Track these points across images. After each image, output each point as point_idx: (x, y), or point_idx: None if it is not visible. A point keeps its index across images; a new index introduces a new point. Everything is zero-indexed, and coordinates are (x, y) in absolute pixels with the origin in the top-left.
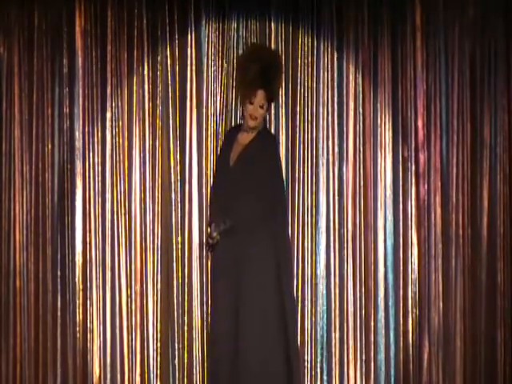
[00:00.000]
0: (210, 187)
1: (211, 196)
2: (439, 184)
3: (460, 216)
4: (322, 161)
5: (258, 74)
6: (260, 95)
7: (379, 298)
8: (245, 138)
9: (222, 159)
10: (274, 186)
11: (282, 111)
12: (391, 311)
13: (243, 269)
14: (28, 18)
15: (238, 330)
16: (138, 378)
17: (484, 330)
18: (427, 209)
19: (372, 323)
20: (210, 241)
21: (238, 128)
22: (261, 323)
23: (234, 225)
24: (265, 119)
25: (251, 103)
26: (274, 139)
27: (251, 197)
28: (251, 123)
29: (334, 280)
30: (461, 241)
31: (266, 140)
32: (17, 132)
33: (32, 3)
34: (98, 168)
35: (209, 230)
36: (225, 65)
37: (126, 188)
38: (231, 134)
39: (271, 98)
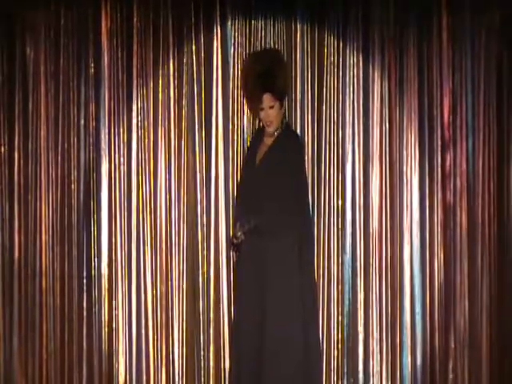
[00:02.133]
0: (237, 187)
1: (238, 195)
2: (465, 184)
3: (486, 216)
4: (348, 161)
5: (257, 80)
6: (266, 99)
7: (405, 300)
8: (269, 138)
9: (248, 160)
10: (298, 186)
11: (308, 112)
12: (417, 312)
13: (267, 269)
14: (54, 17)
15: (263, 331)
16: (163, 378)
17: (510, 331)
18: (453, 209)
19: (398, 324)
20: (235, 240)
21: (263, 129)
22: (285, 323)
23: (258, 225)
24: (285, 119)
25: (261, 109)
26: (299, 139)
27: (276, 197)
28: (268, 130)
29: (360, 281)
30: (487, 242)
31: (290, 140)
32: (43, 132)
33: (58, 3)
34: (124, 168)
35: (233, 230)
36: None
37: (151, 188)
38: (257, 134)
39: (280, 95)
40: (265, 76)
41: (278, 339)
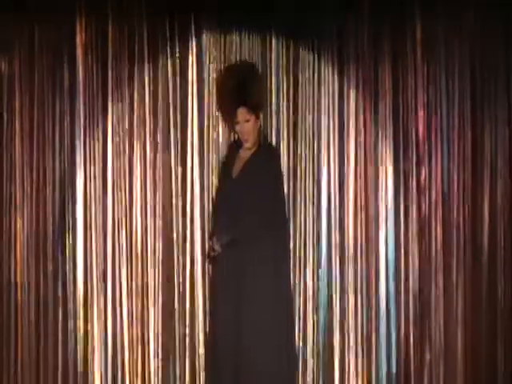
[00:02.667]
0: (213, 201)
1: (214, 208)
2: (440, 197)
3: (461, 229)
4: (323, 174)
5: (231, 93)
6: (241, 112)
7: (380, 312)
8: (246, 152)
9: (224, 173)
10: (275, 200)
11: (284, 126)
12: (392, 324)
13: (244, 281)
14: (29, 32)
15: (239, 341)
16: None
17: (485, 343)
18: (428, 222)
19: (373, 337)
20: (212, 253)
21: (239, 142)
22: (261, 335)
23: (236, 237)
24: (263, 132)
25: (237, 123)
26: (276, 152)
27: (253, 210)
28: (246, 145)
29: (335, 293)
30: (462, 254)
31: (267, 153)
32: (18, 146)
33: (33, 18)
34: (99, 182)
35: (210, 242)
36: None
37: (127, 202)
38: (233, 147)
39: (255, 109)
40: (239, 90)
41: (255, 350)
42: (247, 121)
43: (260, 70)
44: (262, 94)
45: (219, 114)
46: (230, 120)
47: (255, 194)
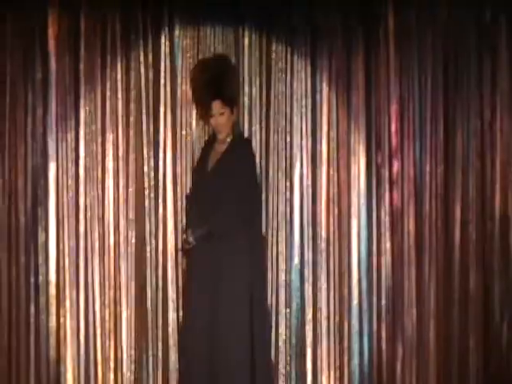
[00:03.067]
0: (186, 193)
1: (187, 202)
2: (412, 191)
3: (433, 223)
4: (296, 167)
5: (206, 87)
6: (216, 105)
7: (353, 304)
8: (221, 145)
9: (199, 166)
10: (250, 193)
11: (256, 118)
12: (365, 317)
13: (219, 274)
14: (1, 24)
15: (212, 336)
16: None
17: (457, 336)
18: (400, 216)
19: (346, 329)
20: (187, 246)
21: (214, 137)
22: (235, 328)
23: (211, 230)
24: (237, 125)
25: (211, 116)
26: (250, 145)
27: (228, 203)
28: (219, 136)
29: (308, 286)
30: (434, 248)
31: (241, 146)
32: None
33: (4, 7)
34: (72, 174)
35: (184, 235)
36: None
37: (99, 194)
38: (209, 142)
39: (230, 102)
40: (213, 83)
41: (229, 340)
42: (222, 114)
43: (233, 63)
44: (237, 87)
45: (193, 107)
46: (204, 113)
47: (230, 185)
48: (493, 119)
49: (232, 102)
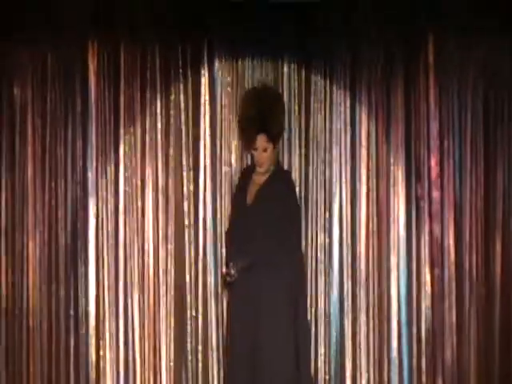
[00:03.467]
0: (227, 226)
1: (228, 235)
2: (453, 223)
3: (474, 256)
4: (335, 200)
5: (254, 120)
6: (261, 140)
7: (393, 337)
8: (261, 178)
9: (238, 198)
10: (291, 225)
11: (296, 151)
12: (404, 350)
13: (261, 306)
14: (41, 57)
15: (256, 367)
16: None
17: (498, 369)
18: (440, 248)
19: (386, 361)
20: (229, 279)
21: (253, 167)
22: (278, 361)
23: (254, 262)
24: (277, 157)
25: (255, 149)
26: (290, 176)
27: (269, 235)
28: (259, 169)
29: (348, 318)
30: (474, 279)
31: (281, 178)
32: (30, 171)
33: (45, 42)
34: (111, 207)
35: (224, 269)
36: (237, 108)
37: (139, 226)
38: (247, 173)
39: (274, 138)
40: (261, 117)
41: (271, 376)
42: (265, 150)
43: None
44: (283, 122)
45: (233, 141)
46: (248, 145)
47: (270, 219)
48: None
49: (277, 137)
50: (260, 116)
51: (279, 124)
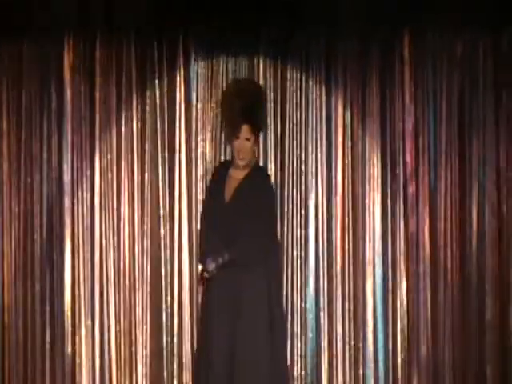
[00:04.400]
0: (202, 222)
1: (205, 231)
2: (428, 217)
3: (449, 248)
4: (311, 195)
5: (241, 110)
6: (245, 130)
7: (368, 331)
8: (238, 173)
9: (215, 195)
10: (269, 222)
11: (271, 145)
12: (380, 344)
13: (241, 302)
14: (17, 53)
15: (233, 360)
16: None
17: (473, 363)
18: (416, 242)
19: (361, 356)
20: (207, 275)
21: (228, 163)
22: (255, 354)
23: (232, 258)
24: (255, 153)
25: (237, 138)
26: (268, 175)
27: (248, 232)
28: (241, 163)
29: (324, 313)
30: (449, 274)
31: (260, 176)
32: (5, 167)
33: (21, 39)
34: (87, 203)
35: (200, 266)
36: (213, 105)
37: (114, 222)
38: (222, 169)
39: (257, 131)
40: (249, 108)
41: (248, 370)
42: (247, 139)
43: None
44: (265, 118)
45: (208, 136)
46: (231, 134)
47: (250, 216)
48: (509, 147)
49: (259, 131)
50: (246, 106)
51: (263, 117)
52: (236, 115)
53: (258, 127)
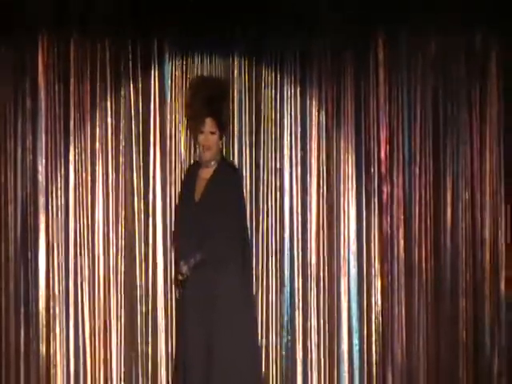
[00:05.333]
0: (175, 223)
1: (177, 232)
2: (402, 216)
3: (423, 248)
4: (286, 193)
5: (204, 103)
6: (209, 123)
7: (342, 330)
8: (206, 172)
9: (185, 195)
10: (237, 218)
11: (246, 144)
12: (355, 343)
13: (216, 301)
14: None
15: (210, 361)
16: None
17: (447, 363)
18: (390, 241)
19: (335, 355)
20: (181, 277)
21: (198, 164)
22: (233, 354)
23: (204, 259)
24: (221, 150)
25: (201, 132)
26: (235, 170)
27: (218, 231)
28: (206, 155)
29: (298, 312)
30: (424, 274)
31: (227, 172)
32: None
33: None
34: (61, 201)
35: (177, 266)
36: None
37: (89, 222)
38: (192, 169)
39: (221, 125)
40: (211, 101)
41: (226, 371)
42: (212, 133)
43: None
44: (229, 114)
45: (182, 134)
46: (195, 128)
47: (219, 215)
48: (482, 146)
49: (223, 125)
50: (209, 99)
51: (227, 111)
52: (200, 107)
53: (222, 120)
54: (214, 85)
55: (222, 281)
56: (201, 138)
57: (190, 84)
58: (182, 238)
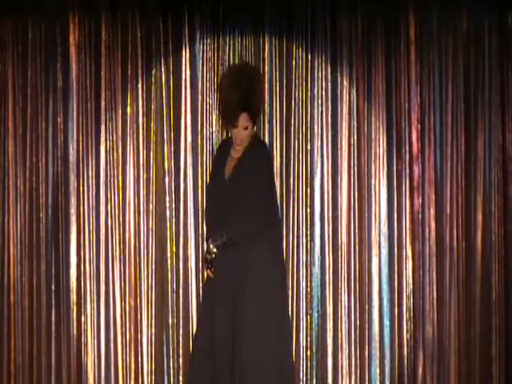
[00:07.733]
0: (205, 201)
1: (207, 211)
2: (433, 197)
3: (454, 229)
4: (317, 174)
5: (239, 99)
6: (243, 118)
7: (373, 311)
8: (238, 151)
9: (216, 173)
10: (268, 197)
11: (277, 124)
12: (385, 324)
13: (245, 280)
14: (22, 31)
15: (235, 348)
16: None
17: (478, 343)
18: (421, 222)
19: (366, 336)
20: (209, 256)
21: (230, 142)
22: (262, 336)
23: (232, 237)
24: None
25: (235, 126)
26: (267, 149)
27: (248, 209)
28: (237, 148)
29: (328, 293)
30: (455, 254)
31: (258, 151)
32: (11, 146)
33: (26, 16)
34: (92, 182)
35: (205, 245)
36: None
37: (120, 201)
38: (223, 147)
39: (255, 117)
40: (244, 97)
41: (255, 350)
42: (245, 128)
43: (260, 73)
44: (262, 100)
45: (213, 115)
46: (229, 124)
47: (249, 193)
48: None
49: (257, 115)
50: (242, 95)
51: (260, 102)
52: (234, 104)
53: (256, 113)
54: (245, 79)
55: (252, 258)
56: (234, 131)
57: (223, 76)
58: (211, 217)
